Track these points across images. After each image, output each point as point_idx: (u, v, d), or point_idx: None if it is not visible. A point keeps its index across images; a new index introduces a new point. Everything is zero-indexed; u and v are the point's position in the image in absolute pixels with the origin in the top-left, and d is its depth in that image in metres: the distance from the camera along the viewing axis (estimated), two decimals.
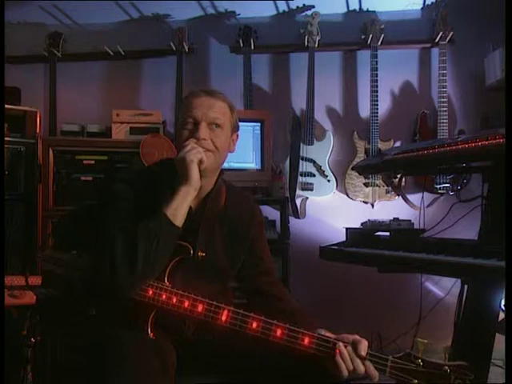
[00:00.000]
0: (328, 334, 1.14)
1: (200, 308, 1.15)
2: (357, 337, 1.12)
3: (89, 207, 1.40)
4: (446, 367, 1.05)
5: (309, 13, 2.99)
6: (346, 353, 1.09)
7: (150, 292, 1.16)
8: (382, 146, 2.85)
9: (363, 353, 1.09)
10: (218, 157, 1.28)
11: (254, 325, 1.13)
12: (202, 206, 1.32)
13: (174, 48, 2.97)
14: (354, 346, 1.10)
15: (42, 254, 1.30)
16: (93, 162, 2.65)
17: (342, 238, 2.04)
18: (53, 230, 2.47)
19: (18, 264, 2.44)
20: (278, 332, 1.11)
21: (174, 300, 1.15)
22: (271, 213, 2.78)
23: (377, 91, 2.81)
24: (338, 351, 1.09)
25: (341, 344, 1.10)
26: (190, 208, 1.29)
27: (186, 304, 1.15)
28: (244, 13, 3.07)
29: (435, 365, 1.06)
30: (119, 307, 1.16)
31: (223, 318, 1.14)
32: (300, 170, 2.86)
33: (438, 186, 2.77)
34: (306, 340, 1.10)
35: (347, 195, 2.92)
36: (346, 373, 1.08)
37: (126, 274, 1.08)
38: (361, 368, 1.08)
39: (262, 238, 1.45)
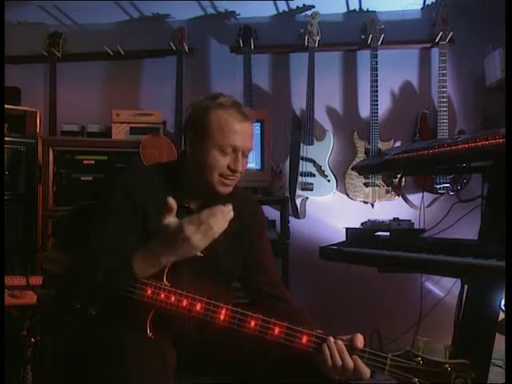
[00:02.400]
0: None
1: (198, 307, 1.14)
2: (354, 334, 1.09)
3: (87, 208, 1.40)
4: (447, 365, 1.02)
5: (309, 13, 2.99)
6: (334, 346, 1.06)
7: (149, 291, 1.15)
8: (382, 146, 2.85)
9: (359, 345, 1.06)
10: (237, 181, 1.30)
11: (252, 323, 1.12)
12: (204, 207, 1.32)
13: (174, 48, 2.97)
14: (350, 341, 1.07)
15: (43, 254, 1.30)
16: (93, 161, 2.65)
17: (342, 237, 2.04)
18: (52, 229, 2.47)
19: (18, 264, 2.44)
20: (276, 330, 1.11)
21: (173, 299, 1.15)
22: (271, 213, 2.78)
23: (377, 91, 2.81)
24: (325, 344, 1.07)
25: (331, 338, 1.07)
26: (190, 208, 1.29)
27: (185, 303, 1.15)
28: (244, 13, 3.07)
29: (435, 363, 1.03)
30: (118, 307, 1.16)
31: (221, 316, 1.13)
32: (300, 170, 2.86)
33: (438, 186, 2.77)
34: (304, 339, 1.10)
35: (347, 195, 2.92)
36: (330, 363, 1.04)
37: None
38: (350, 364, 1.04)
39: (263, 238, 1.44)
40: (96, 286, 1.12)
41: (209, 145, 1.23)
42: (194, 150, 1.26)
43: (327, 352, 1.06)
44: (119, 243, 1.18)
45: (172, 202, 1.12)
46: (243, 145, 1.24)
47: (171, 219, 1.12)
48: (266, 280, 1.39)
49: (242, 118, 1.24)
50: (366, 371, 1.05)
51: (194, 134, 1.27)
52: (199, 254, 1.25)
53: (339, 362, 1.05)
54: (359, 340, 1.07)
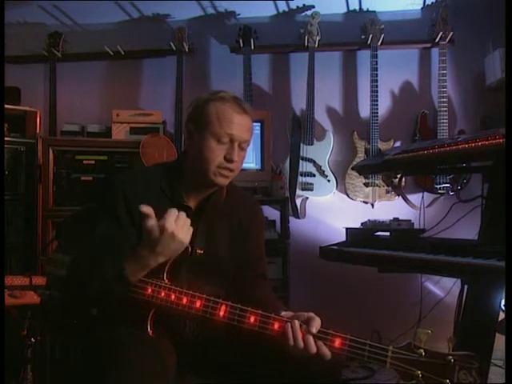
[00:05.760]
0: (288, 314, 1.13)
1: (198, 304, 1.14)
2: (311, 314, 1.09)
3: (90, 210, 1.40)
4: (450, 357, 0.99)
5: (309, 13, 2.98)
6: (291, 328, 1.06)
7: (149, 290, 1.15)
8: (382, 146, 2.85)
9: (314, 330, 1.05)
10: (236, 174, 1.30)
11: (252, 319, 1.11)
12: (203, 205, 1.32)
13: (174, 48, 2.96)
14: (307, 323, 1.07)
15: (46, 256, 1.30)
16: (93, 161, 2.65)
17: (342, 237, 2.04)
18: (56, 231, 2.47)
19: (17, 264, 2.44)
20: (276, 325, 1.10)
21: (173, 297, 1.15)
22: (271, 213, 2.78)
23: (377, 91, 2.81)
24: (288, 325, 1.07)
25: (295, 321, 1.07)
26: (190, 208, 1.30)
27: (185, 300, 1.15)
28: (244, 13, 3.07)
29: (438, 354, 1.00)
30: (119, 306, 1.16)
31: (221, 313, 1.13)
32: (300, 170, 2.86)
33: (438, 186, 2.77)
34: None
35: (347, 195, 2.92)
36: (291, 342, 1.05)
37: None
38: (312, 346, 1.05)
39: (260, 238, 1.44)
40: (94, 292, 1.13)
41: (206, 135, 1.24)
42: (193, 143, 1.28)
43: (290, 333, 1.07)
44: (115, 249, 1.18)
45: (146, 209, 1.11)
46: (240, 135, 1.25)
47: (152, 222, 1.11)
48: (249, 275, 1.39)
49: (240, 110, 1.26)
50: (328, 353, 1.05)
51: (194, 126, 1.29)
52: (199, 251, 1.25)
53: (300, 344, 1.05)
54: (314, 324, 1.07)
